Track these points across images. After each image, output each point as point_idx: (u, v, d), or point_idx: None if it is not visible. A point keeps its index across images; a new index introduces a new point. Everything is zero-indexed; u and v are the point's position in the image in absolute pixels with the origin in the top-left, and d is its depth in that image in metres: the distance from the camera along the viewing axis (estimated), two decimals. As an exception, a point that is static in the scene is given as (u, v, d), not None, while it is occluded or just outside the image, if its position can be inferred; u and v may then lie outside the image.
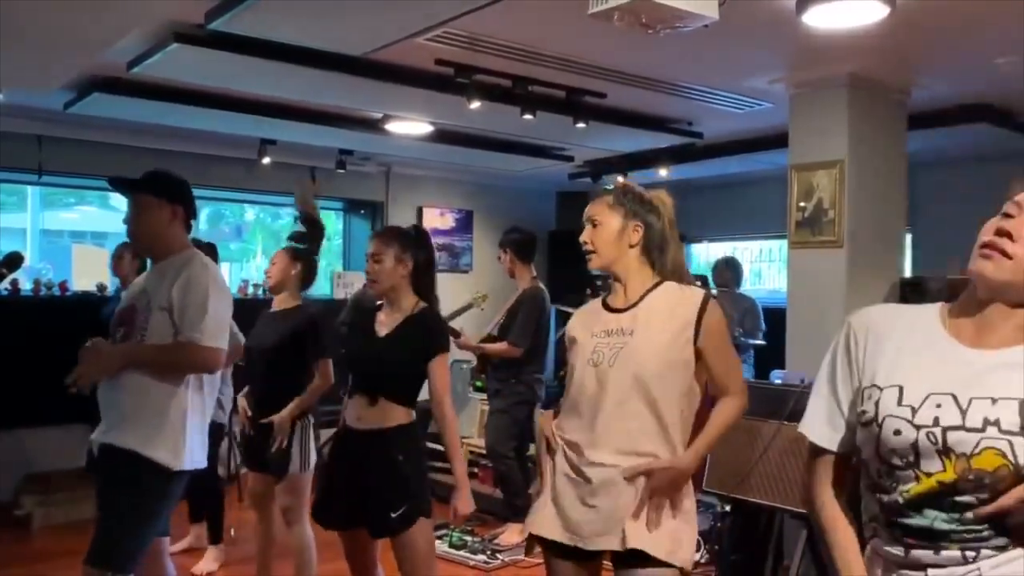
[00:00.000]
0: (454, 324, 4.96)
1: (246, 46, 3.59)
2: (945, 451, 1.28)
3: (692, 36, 2.90)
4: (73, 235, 7.97)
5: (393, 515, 2.62)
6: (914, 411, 1.31)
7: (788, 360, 4.13)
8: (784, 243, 4.44)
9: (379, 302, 2.91)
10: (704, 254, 7.74)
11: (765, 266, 7.40)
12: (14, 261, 2.96)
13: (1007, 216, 1.33)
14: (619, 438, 2.08)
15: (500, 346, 4.69)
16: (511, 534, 4.62)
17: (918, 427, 1.30)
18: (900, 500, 1.32)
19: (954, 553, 1.30)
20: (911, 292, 4.19)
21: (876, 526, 1.40)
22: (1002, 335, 1.33)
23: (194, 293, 2.52)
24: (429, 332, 2.77)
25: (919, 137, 4.48)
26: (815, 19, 3.02)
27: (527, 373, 4.76)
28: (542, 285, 4.89)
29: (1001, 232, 1.31)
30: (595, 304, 2.31)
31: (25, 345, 5.10)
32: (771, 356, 5.00)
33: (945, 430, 1.28)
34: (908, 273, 4.57)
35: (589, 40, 3.55)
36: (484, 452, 5.30)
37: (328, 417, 4.64)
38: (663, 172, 6.05)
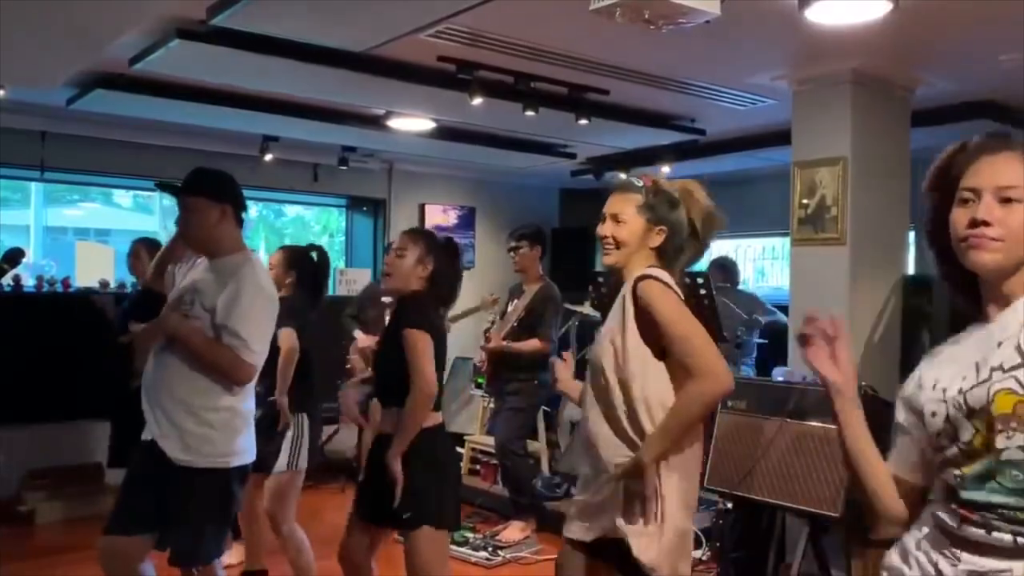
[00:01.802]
0: (458, 324, 4.98)
1: (248, 42, 3.58)
2: (970, 413, 1.31)
3: (695, 32, 2.90)
4: (77, 232, 7.98)
5: (404, 516, 2.63)
6: (945, 391, 1.36)
7: (790, 358, 4.12)
8: (787, 240, 4.43)
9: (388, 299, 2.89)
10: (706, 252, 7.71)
11: (768, 263, 7.38)
12: (15, 257, 2.97)
13: (965, 202, 1.36)
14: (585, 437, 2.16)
15: (532, 343, 4.65)
16: (513, 531, 4.63)
17: (945, 401, 1.35)
18: (957, 474, 1.34)
19: (1005, 536, 1.29)
20: (913, 290, 4.19)
21: (939, 494, 1.41)
22: (1014, 293, 1.36)
23: (241, 307, 2.51)
24: (407, 308, 2.69)
25: (922, 134, 4.47)
26: (818, 15, 3.01)
27: (544, 372, 4.78)
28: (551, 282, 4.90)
29: (975, 223, 1.34)
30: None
31: (28, 341, 5.11)
32: (773, 353, 5.00)
33: (965, 393, 1.32)
34: (911, 271, 4.56)
35: (592, 36, 3.54)
36: (487, 449, 5.31)
37: (328, 414, 4.66)
38: (665, 169, 6.04)
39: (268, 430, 3.47)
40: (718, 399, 2.13)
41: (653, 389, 2.09)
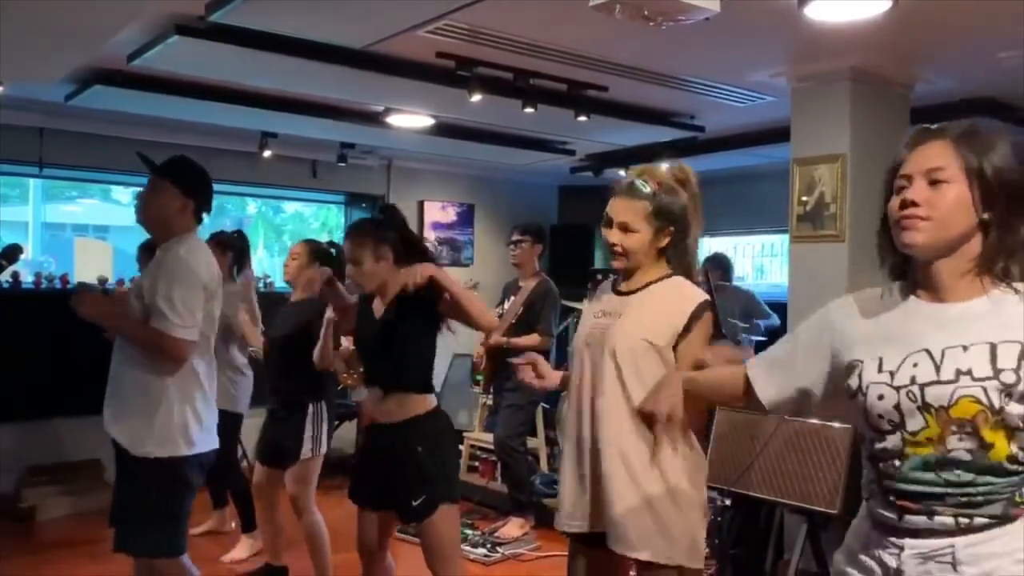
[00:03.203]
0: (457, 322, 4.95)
1: (247, 38, 3.58)
2: (925, 407, 1.34)
3: (694, 29, 2.89)
4: (75, 228, 7.98)
5: (414, 503, 2.62)
6: (892, 375, 1.38)
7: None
8: (786, 238, 4.44)
9: None
10: (706, 249, 7.73)
11: (767, 260, 7.39)
12: (13, 253, 2.97)
13: (900, 190, 1.41)
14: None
15: (532, 338, 4.65)
16: (512, 528, 4.63)
17: (898, 388, 1.37)
18: (896, 464, 1.37)
19: (947, 519, 1.33)
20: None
21: (874, 489, 1.44)
22: (960, 291, 1.39)
23: (162, 283, 2.52)
24: (420, 297, 2.62)
25: (921, 131, 4.47)
26: (817, 12, 3.01)
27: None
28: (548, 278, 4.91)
29: (906, 204, 1.38)
30: (607, 284, 2.36)
31: (26, 338, 5.11)
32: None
33: (923, 387, 1.34)
34: (910, 268, 4.57)
35: (591, 33, 3.54)
36: (485, 446, 5.32)
37: (340, 410, 4.66)
38: (664, 166, 6.02)
39: (286, 421, 3.50)
40: None
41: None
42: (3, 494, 5.07)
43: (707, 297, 2.22)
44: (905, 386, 1.36)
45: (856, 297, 1.55)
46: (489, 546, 4.41)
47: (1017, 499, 1.32)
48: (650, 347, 2.12)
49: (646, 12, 2.58)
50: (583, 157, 6.54)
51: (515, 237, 4.84)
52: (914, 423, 1.35)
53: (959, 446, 1.31)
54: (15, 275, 5.28)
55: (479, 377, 5.37)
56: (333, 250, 3.83)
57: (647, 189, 2.19)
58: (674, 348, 2.15)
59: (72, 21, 3.18)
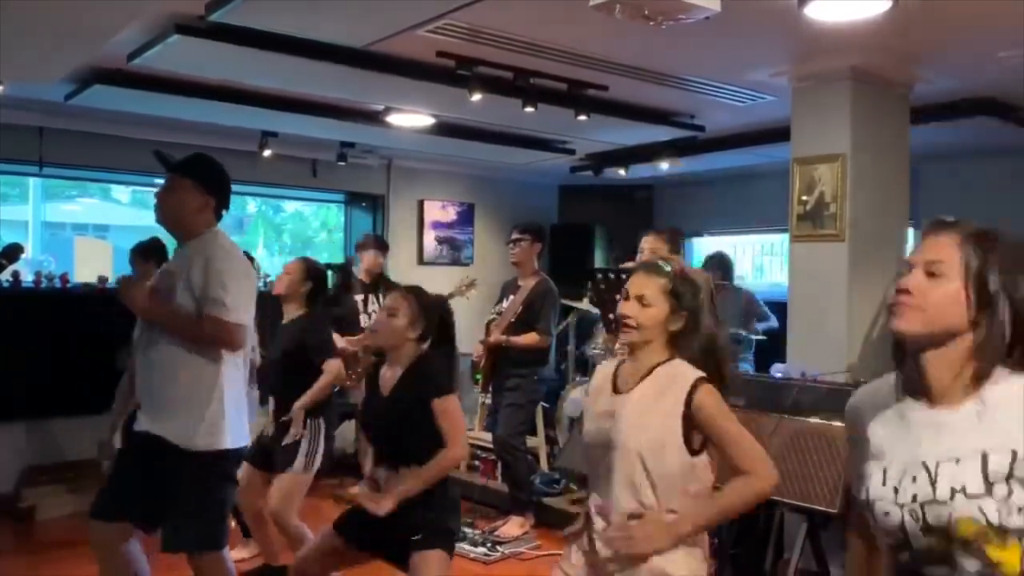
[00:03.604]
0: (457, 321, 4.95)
1: (246, 37, 3.58)
2: (927, 528, 1.34)
3: (694, 29, 2.89)
4: (75, 227, 7.98)
5: (413, 539, 2.57)
6: (896, 491, 1.38)
7: (789, 354, 4.13)
8: (786, 237, 4.44)
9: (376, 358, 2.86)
10: (705, 248, 7.73)
11: (767, 260, 7.39)
12: (13, 253, 2.97)
13: (900, 275, 1.42)
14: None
15: (530, 337, 4.65)
16: (512, 527, 4.64)
17: (901, 506, 1.37)
18: (910, 560, 1.38)
19: None
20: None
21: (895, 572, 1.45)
22: (952, 395, 1.38)
23: (215, 272, 2.55)
24: (427, 375, 2.68)
25: (921, 131, 4.47)
26: (817, 12, 3.01)
27: (542, 367, 4.78)
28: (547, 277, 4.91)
29: (900, 290, 1.39)
30: (607, 375, 2.26)
31: (26, 337, 5.10)
32: (772, 349, 5.00)
33: (923, 505, 1.34)
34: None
35: (591, 32, 3.54)
36: (485, 445, 5.32)
37: (342, 408, 4.66)
38: (664, 165, 6.04)
39: (283, 431, 3.51)
40: (764, 499, 2.11)
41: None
42: (3, 494, 5.07)
43: (702, 377, 2.12)
44: (907, 504, 1.36)
45: (862, 392, 1.56)
46: (489, 545, 4.41)
47: None
48: (659, 443, 2.05)
49: (646, 12, 2.58)
50: (583, 156, 6.54)
51: (515, 236, 4.84)
52: (919, 541, 1.35)
53: (968, 564, 1.31)
54: (15, 274, 5.27)
55: (478, 376, 5.37)
56: (330, 272, 3.84)
57: (668, 268, 2.19)
58: (699, 433, 2.07)
59: (72, 21, 3.18)
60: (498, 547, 4.41)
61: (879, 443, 1.45)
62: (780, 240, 6.83)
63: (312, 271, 3.75)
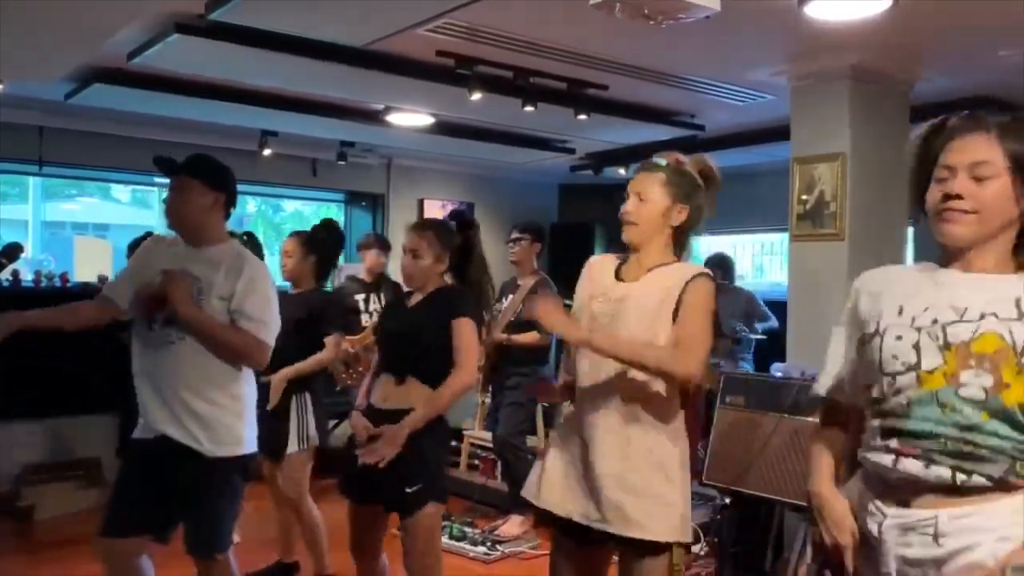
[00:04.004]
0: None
1: (246, 36, 3.58)
2: (946, 344, 1.34)
3: (694, 28, 2.89)
4: (75, 226, 7.98)
5: (408, 490, 2.58)
6: (914, 319, 1.39)
7: (788, 353, 4.13)
8: (786, 236, 4.44)
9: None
10: (705, 248, 7.73)
11: (767, 259, 7.39)
12: (13, 252, 2.96)
13: (942, 180, 1.41)
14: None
15: (531, 336, 4.63)
16: (512, 526, 4.63)
17: (918, 328, 1.38)
18: (904, 402, 1.36)
19: (944, 471, 1.31)
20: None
21: (873, 440, 1.43)
22: (989, 264, 1.41)
23: (258, 292, 2.58)
24: (452, 299, 2.73)
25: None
26: (817, 11, 3.01)
27: (543, 366, 4.77)
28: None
29: (949, 195, 1.39)
30: (607, 265, 2.28)
31: (26, 336, 5.09)
32: (772, 349, 5.00)
33: (944, 326, 1.35)
34: (910, 266, 4.57)
35: (591, 32, 3.53)
36: (485, 443, 5.32)
37: (341, 408, 4.65)
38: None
39: (272, 416, 3.45)
40: (669, 377, 2.10)
41: None
42: (2, 493, 5.07)
43: (703, 268, 2.18)
44: (926, 327, 1.36)
45: (879, 271, 1.57)
46: (489, 544, 4.41)
47: (1020, 469, 1.29)
48: (655, 331, 2.09)
49: (646, 11, 2.57)
50: (583, 156, 6.54)
51: (514, 235, 4.84)
52: (930, 361, 1.34)
53: (974, 381, 1.30)
54: (15, 273, 5.27)
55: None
56: (325, 233, 3.82)
57: (664, 162, 2.19)
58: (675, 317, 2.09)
59: (72, 20, 3.18)
60: (498, 546, 4.41)
61: (899, 292, 1.45)
62: (780, 239, 6.83)
63: (310, 242, 3.73)
